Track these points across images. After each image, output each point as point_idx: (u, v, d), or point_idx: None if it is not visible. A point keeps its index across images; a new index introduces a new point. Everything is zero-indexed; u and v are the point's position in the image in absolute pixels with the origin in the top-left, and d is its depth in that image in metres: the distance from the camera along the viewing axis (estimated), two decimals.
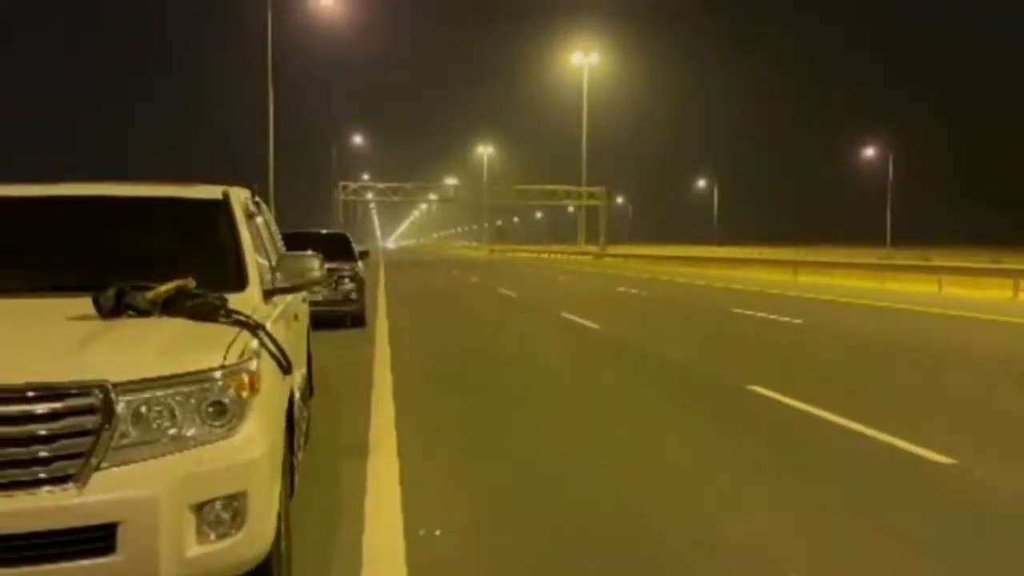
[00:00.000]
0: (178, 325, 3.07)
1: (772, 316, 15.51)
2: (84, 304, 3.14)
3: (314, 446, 5.49)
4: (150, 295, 3.20)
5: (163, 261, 3.83)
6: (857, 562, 3.75)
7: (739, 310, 17.01)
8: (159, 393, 2.67)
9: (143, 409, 2.65)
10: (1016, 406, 7.46)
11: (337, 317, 13.12)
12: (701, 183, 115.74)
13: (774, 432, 6.35)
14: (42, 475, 2.52)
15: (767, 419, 6.82)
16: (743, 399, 7.59)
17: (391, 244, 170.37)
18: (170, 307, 3.19)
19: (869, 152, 71.54)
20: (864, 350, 11.17)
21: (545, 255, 75.59)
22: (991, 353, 10.77)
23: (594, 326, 13.82)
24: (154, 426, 2.66)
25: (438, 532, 4.07)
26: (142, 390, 2.65)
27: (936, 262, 28.33)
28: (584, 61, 66.42)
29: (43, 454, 2.53)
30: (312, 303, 7.35)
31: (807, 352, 10.97)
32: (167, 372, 2.70)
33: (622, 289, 24.98)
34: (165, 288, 3.23)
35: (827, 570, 3.68)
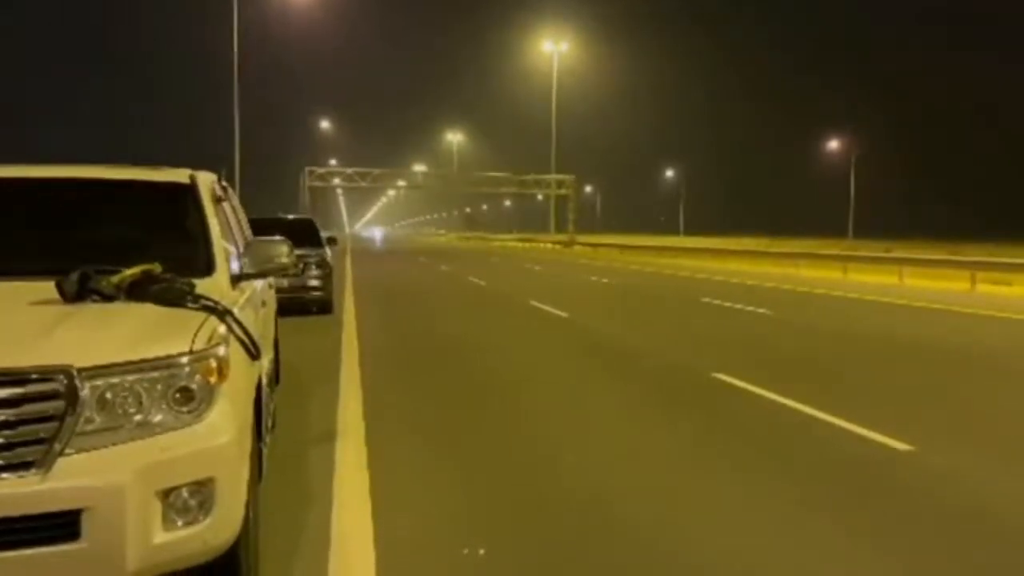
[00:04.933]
0: (144, 310, 3.03)
1: (738, 305, 15.72)
2: (47, 289, 3.08)
3: (282, 432, 5.46)
4: (115, 279, 3.15)
5: (128, 245, 3.78)
6: (809, 541, 3.85)
7: (707, 299, 17.21)
8: (125, 379, 2.64)
9: (108, 395, 2.62)
10: (971, 394, 7.67)
11: (303, 304, 13.03)
12: (670, 173, 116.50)
13: (735, 418, 6.45)
14: (4, 461, 2.48)
15: (729, 406, 6.93)
16: (707, 386, 7.70)
17: (376, 233, 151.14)
18: (136, 292, 3.15)
19: (835, 147, 72.64)
20: (826, 339, 11.38)
21: (515, 243, 75.63)
22: (948, 343, 11.04)
23: (562, 314, 13.89)
24: (120, 412, 2.63)
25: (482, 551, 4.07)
26: (107, 376, 2.62)
27: (897, 254, 28.89)
28: (554, 49, 66.30)
29: (5, 440, 2.49)
30: (278, 290, 7.29)
31: (771, 341, 11.14)
32: (133, 357, 2.67)
33: (591, 278, 25.11)
34: (131, 272, 3.18)
35: (782, 549, 3.77)
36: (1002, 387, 8.06)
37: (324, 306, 13.58)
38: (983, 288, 20.75)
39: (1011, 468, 5.18)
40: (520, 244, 72.78)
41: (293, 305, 12.03)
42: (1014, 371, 8.96)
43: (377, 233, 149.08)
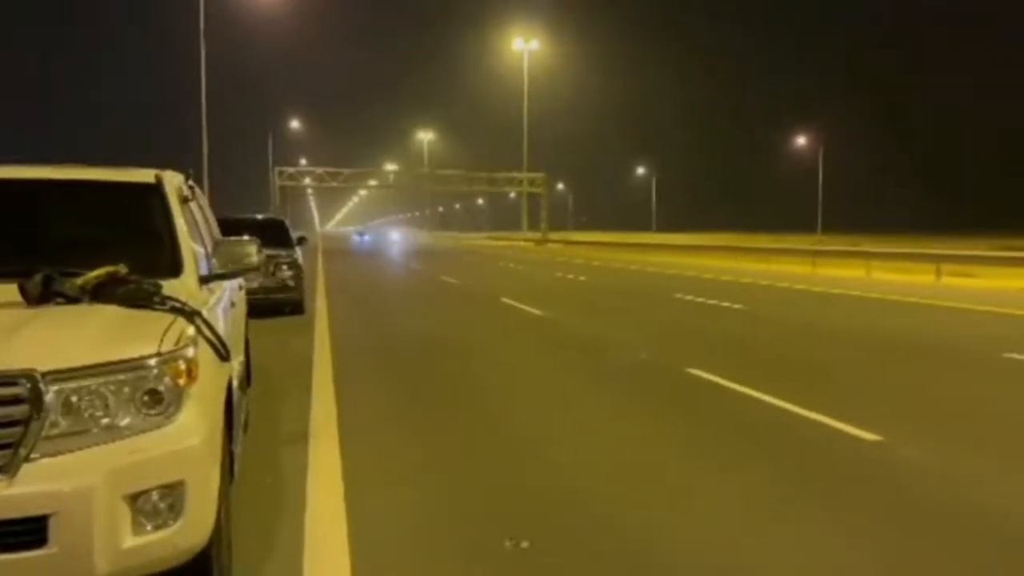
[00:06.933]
0: (110, 312, 2.99)
1: (711, 301, 15.86)
2: (9, 291, 3.03)
3: (255, 434, 5.41)
4: (79, 281, 3.10)
5: (93, 247, 3.72)
6: (781, 528, 3.91)
7: (680, 295, 17.34)
8: (91, 382, 2.60)
9: (74, 398, 2.58)
10: (934, 385, 7.82)
11: (275, 304, 12.92)
12: (641, 171, 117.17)
13: (709, 412, 6.52)
14: None
15: (704, 400, 6.99)
16: (681, 381, 7.76)
17: (395, 235, 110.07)
18: (101, 294, 3.10)
19: (804, 145, 73.67)
20: (796, 333, 11.54)
21: (487, 242, 75.61)
22: (914, 335, 11.23)
23: (535, 312, 13.91)
24: (86, 416, 2.59)
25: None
26: (73, 379, 2.58)
27: (864, 248, 29.36)
28: (525, 47, 66.34)
29: None
30: (249, 291, 7.21)
31: (744, 336, 11.26)
32: (99, 360, 2.63)
33: (564, 275, 25.18)
34: (95, 274, 3.13)
35: (754, 537, 3.81)
36: (965, 377, 8.22)
37: (296, 307, 13.48)
38: (948, 280, 21.14)
39: (973, 455, 5.29)
40: (493, 242, 72.80)
41: (265, 306, 11.92)
42: (977, 361, 9.14)
43: (396, 236, 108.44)
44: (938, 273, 21.74)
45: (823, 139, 69.57)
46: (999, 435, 5.89)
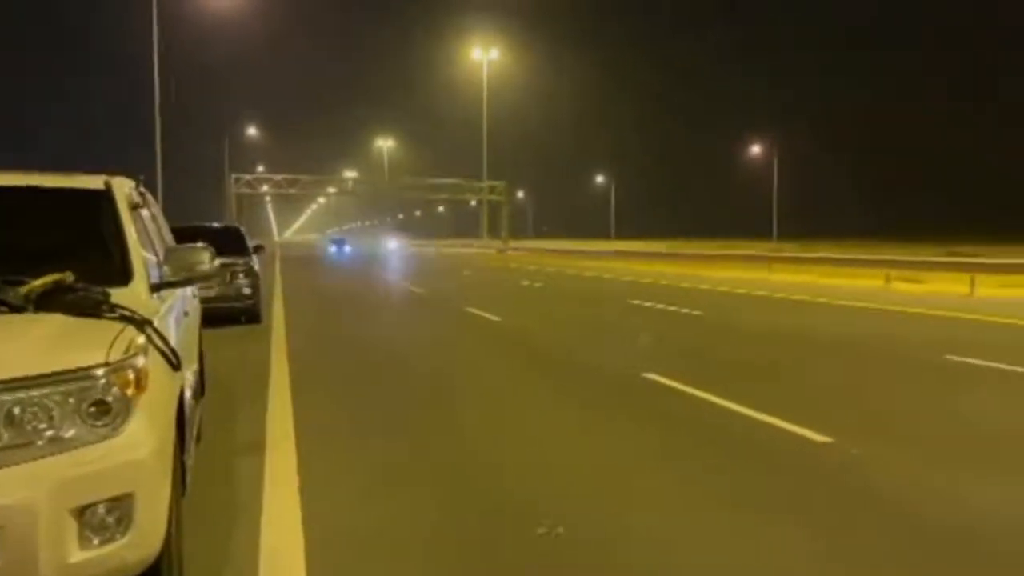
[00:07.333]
0: (55, 321, 2.92)
1: (669, 307, 16.04)
2: None
3: (209, 444, 5.32)
4: (23, 290, 3.03)
5: (39, 255, 3.63)
6: (734, 528, 3.97)
7: (637, 301, 17.50)
8: (34, 393, 2.54)
9: (16, 410, 2.52)
10: (881, 387, 8.01)
11: (231, 313, 12.74)
12: (600, 179, 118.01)
13: (665, 416, 6.60)
14: None
15: (659, 404, 7.07)
16: (638, 387, 7.83)
17: (385, 246, 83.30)
18: (46, 303, 3.03)
19: (760, 153, 75.18)
20: (752, 338, 11.72)
21: (448, 249, 75.49)
22: (863, 338, 11.50)
23: (495, 319, 13.93)
24: (29, 428, 2.53)
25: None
26: (14, 390, 2.52)
27: (820, 254, 29.99)
28: (484, 57, 66.50)
29: None
30: (205, 300, 7.10)
31: (699, 341, 11.41)
32: (43, 371, 2.57)
33: (524, 283, 25.25)
34: (40, 282, 3.06)
35: (709, 538, 3.87)
36: (911, 379, 8.45)
37: (253, 315, 13.31)
38: (897, 285, 21.68)
39: (919, 455, 5.45)
40: (455, 250, 72.73)
41: (221, 315, 11.74)
42: (921, 363, 9.39)
43: (393, 244, 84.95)
44: (887, 279, 22.28)
45: (777, 148, 71.02)
46: (943, 434, 6.07)
